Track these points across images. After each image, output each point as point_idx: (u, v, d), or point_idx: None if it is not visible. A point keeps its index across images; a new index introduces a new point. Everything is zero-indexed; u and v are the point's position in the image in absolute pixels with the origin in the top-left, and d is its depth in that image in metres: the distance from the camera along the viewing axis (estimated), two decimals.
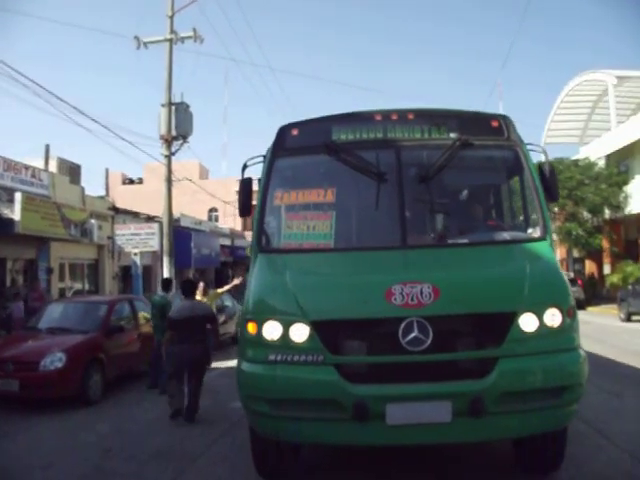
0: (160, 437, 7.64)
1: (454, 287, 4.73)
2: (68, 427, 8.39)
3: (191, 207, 37.35)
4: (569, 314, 4.79)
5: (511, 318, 4.61)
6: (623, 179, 32.00)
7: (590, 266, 38.66)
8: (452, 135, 5.81)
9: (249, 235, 47.42)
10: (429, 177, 5.65)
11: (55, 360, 9.52)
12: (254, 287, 5.11)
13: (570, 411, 4.85)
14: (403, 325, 4.48)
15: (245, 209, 6.13)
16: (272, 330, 4.68)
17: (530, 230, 5.88)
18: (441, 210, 5.99)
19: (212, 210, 52.73)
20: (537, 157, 6.30)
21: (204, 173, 54.36)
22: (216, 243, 34.60)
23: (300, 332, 4.61)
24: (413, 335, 4.45)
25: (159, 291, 14.06)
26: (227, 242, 39.26)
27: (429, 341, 4.45)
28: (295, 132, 5.99)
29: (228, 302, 18.94)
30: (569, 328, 4.80)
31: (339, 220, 5.56)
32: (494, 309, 4.67)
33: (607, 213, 33.07)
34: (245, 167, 6.16)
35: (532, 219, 5.83)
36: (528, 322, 4.62)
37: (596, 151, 35.01)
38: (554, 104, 42.08)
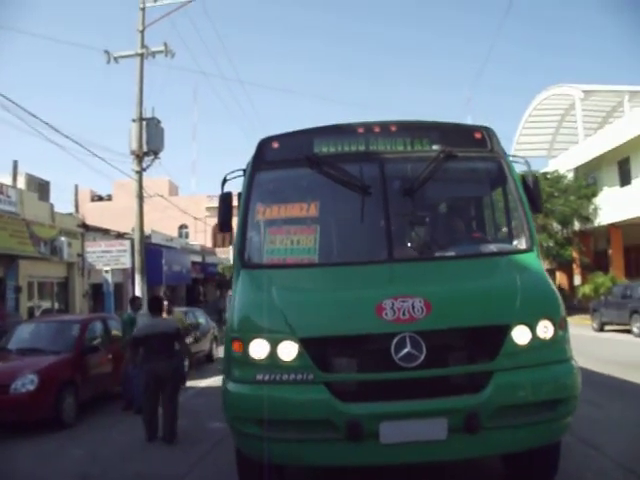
0: (139, 461, 7.36)
1: (446, 301, 4.63)
2: (42, 452, 8.04)
3: (161, 223, 36.98)
4: (561, 326, 4.73)
5: (504, 331, 4.53)
6: (592, 191, 32.49)
7: (561, 277, 39.08)
8: (435, 147, 5.74)
9: (220, 252, 47.27)
10: (414, 190, 5.57)
11: (27, 382, 9.20)
12: (239, 304, 4.94)
13: (565, 424, 4.77)
14: (395, 341, 4.35)
15: (225, 224, 6.00)
16: (259, 349, 4.51)
17: (516, 242, 5.82)
18: (426, 223, 5.98)
19: (182, 227, 52.44)
20: (519, 169, 6.25)
21: (174, 189, 54.05)
22: (187, 260, 34.32)
23: (288, 350, 4.45)
24: (406, 351, 4.33)
25: (129, 309, 13.87)
26: (198, 259, 39.02)
27: (422, 356, 4.33)
28: (276, 145, 5.87)
29: (201, 319, 18.73)
30: (561, 340, 4.75)
31: (323, 234, 5.44)
32: (487, 322, 4.59)
33: (577, 225, 33.59)
34: (225, 181, 6.04)
35: (517, 231, 5.76)
36: (521, 335, 4.54)
37: (565, 164, 35.52)
38: (522, 117, 42.60)
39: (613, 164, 33.32)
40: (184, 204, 40.89)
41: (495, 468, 5.86)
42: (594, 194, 32.46)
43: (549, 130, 43.27)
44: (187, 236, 50.78)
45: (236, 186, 6.24)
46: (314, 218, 5.54)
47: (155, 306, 9.00)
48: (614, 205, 31.00)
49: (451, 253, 5.61)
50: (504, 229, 6.25)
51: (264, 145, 5.90)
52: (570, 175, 34.87)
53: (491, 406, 4.35)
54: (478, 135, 5.94)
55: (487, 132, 5.96)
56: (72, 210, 26.44)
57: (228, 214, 5.98)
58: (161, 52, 19.68)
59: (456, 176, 6.07)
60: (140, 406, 9.05)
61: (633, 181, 31.41)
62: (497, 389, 4.39)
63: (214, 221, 54.87)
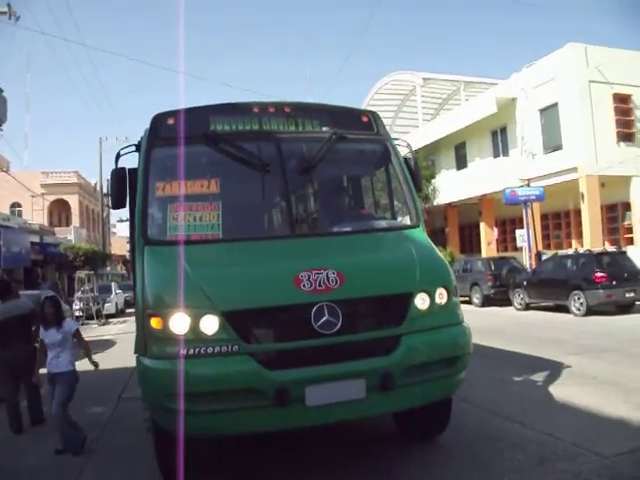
0: (26, 454, 6.82)
1: (357, 272, 4.96)
2: None
3: None
4: (453, 293, 5.28)
5: (408, 298, 4.95)
6: (431, 173, 34.31)
7: None
8: (326, 129, 6.02)
9: (60, 231, 45.00)
10: (309, 168, 5.84)
11: None
12: (151, 280, 4.90)
13: (461, 378, 5.32)
14: (314, 310, 4.58)
15: (119, 201, 5.88)
16: (181, 323, 4.53)
17: (401, 218, 6.32)
18: (323, 200, 6.30)
19: (15, 205, 49.25)
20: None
21: (4, 165, 50.41)
22: (26, 240, 32.27)
23: (211, 323, 4.52)
24: (325, 319, 4.58)
25: None
26: (36, 239, 36.82)
27: (339, 323, 4.60)
28: (171, 121, 5.79)
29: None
30: (454, 305, 5.31)
31: (225, 211, 5.50)
32: (394, 291, 4.98)
33: None
34: (118, 156, 5.91)
35: (405, 208, 6.19)
36: (422, 301, 4.99)
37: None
38: (364, 100, 44.10)
39: (450, 148, 35.65)
40: (15, 181, 38.14)
41: (390, 426, 6.34)
42: (433, 176, 34.32)
43: (390, 114, 45.07)
44: (20, 215, 47.66)
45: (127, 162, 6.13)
46: (215, 194, 5.60)
47: (3, 290, 8.46)
48: (451, 186, 33.16)
49: (347, 229, 5.96)
50: (392, 206, 6.63)
51: (159, 121, 5.83)
52: (407, 150, 36.51)
53: (402, 366, 4.75)
54: (365, 119, 6.31)
55: (373, 116, 6.36)
56: None
57: (122, 190, 5.85)
58: (4, 14, 18.23)
59: (347, 156, 6.38)
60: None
61: (469, 164, 33.78)
62: (406, 350, 4.80)
63: (52, 199, 52.36)
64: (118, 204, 5.90)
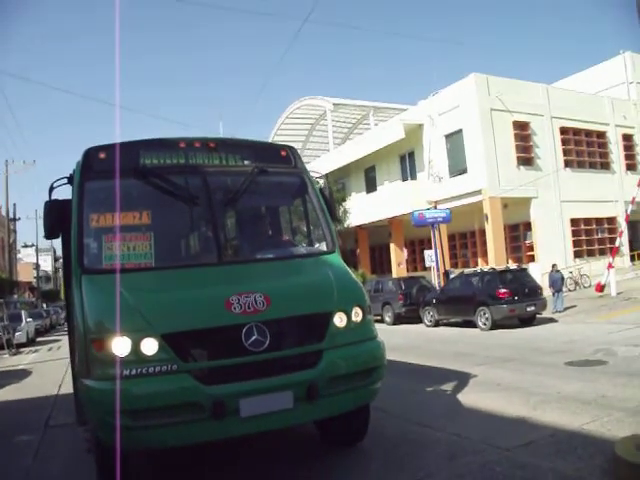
0: None
1: (282, 294, 5.40)
2: None
3: None
4: (367, 311, 5.79)
5: (328, 317, 5.43)
6: (342, 196, 35.08)
7: None
8: (247, 162, 6.43)
9: None
10: (234, 200, 6.26)
11: None
12: (91, 306, 5.14)
13: (377, 388, 5.81)
14: (244, 330, 4.99)
15: (52, 231, 6.12)
16: (122, 346, 4.80)
17: (318, 244, 6.78)
18: (247, 229, 6.79)
19: None
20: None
21: None
22: None
23: (151, 345, 4.82)
24: (254, 338, 5.00)
25: None
26: None
27: (267, 342, 5.03)
28: (102, 155, 6.02)
29: None
30: (369, 322, 5.81)
31: (157, 240, 5.80)
32: (315, 310, 5.44)
33: None
34: (52, 189, 6.15)
35: (321, 235, 6.64)
36: (340, 320, 5.48)
37: (316, 169, 37.85)
38: (275, 124, 44.70)
39: (361, 172, 36.66)
40: None
41: (313, 435, 6.73)
42: (344, 199, 35.07)
43: (301, 137, 45.83)
44: None
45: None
46: (147, 225, 5.88)
47: None
48: (361, 209, 34.05)
49: (270, 255, 6.41)
50: (310, 234, 7.07)
51: (91, 155, 6.05)
52: (321, 181, 37.20)
53: (325, 377, 5.20)
54: (284, 153, 6.77)
55: (291, 151, 6.84)
56: None
57: (56, 222, 6.08)
58: None
59: (268, 188, 6.80)
60: None
61: (378, 187, 34.80)
62: (327, 364, 5.26)
63: None
64: (52, 235, 6.13)
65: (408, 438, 6.65)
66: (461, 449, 5.99)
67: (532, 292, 18.63)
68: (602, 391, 7.92)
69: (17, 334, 28.57)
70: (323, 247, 6.55)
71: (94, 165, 5.97)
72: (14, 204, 50.22)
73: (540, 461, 5.37)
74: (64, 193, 6.29)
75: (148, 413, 4.75)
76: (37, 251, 64.98)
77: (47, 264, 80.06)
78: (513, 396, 8.17)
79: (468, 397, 8.40)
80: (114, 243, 5.69)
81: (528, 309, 18.19)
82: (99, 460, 5.40)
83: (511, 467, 5.32)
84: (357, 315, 5.60)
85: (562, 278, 21.46)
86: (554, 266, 21.58)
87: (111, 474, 5.18)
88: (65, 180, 6.27)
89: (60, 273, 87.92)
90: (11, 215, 49.33)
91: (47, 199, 6.12)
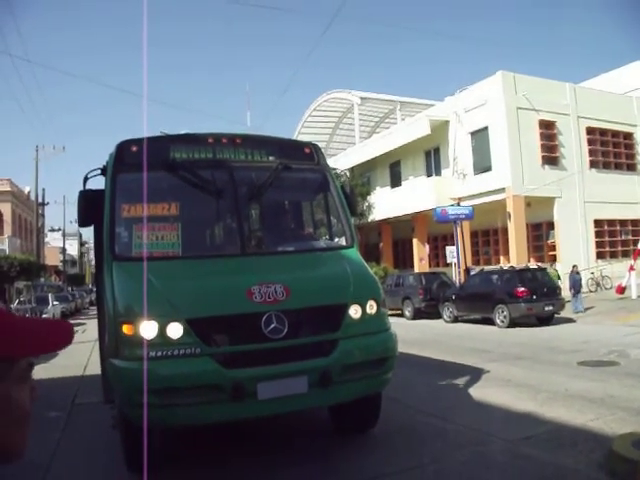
0: None
1: (301, 286, 5.70)
2: None
3: None
4: (382, 305, 6.08)
5: (344, 309, 5.72)
6: (366, 190, 35.32)
7: None
8: (272, 159, 6.72)
9: None
10: (258, 194, 6.58)
11: None
12: (121, 292, 5.50)
13: (389, 377, 6.09)
14: (264, 318, 5.30)
15: (86, 220, 6.47)
16: (149, 329, 5.14)
17: (337, 239, 7.12)
18: (270, 222, 7.13)
19: None
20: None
21: None
22: None
23: (176, 329, 5.16)
24: (273, 326, 5.30)
25: None
26: None
27: (285, 330, 5.33)
28: (134, 148, 6.34)
29: None
30: (383, 315, 6.11)
31: (184, 231, 6.15)
32: (332, 302, 5.74)
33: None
34: (86, 179, 6.56)
35: (341, 230, 6.96)
36: (355, 311, 5.77)
37: (342, 163, 38.12)
38: (302, 117, 44.97)
39: (386, 166, 36.82)
40: None
41: (325, 421, 7.02)
42: (368, 193, 35.34)
43: (327, 130, 46.08)
44: None
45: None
46: (175, 216, 6.24)
47: None
48: (385, 203, 34.21)
49: (291, 248, 6.77)
50: (330, 229, 7.39)
51: (123, 148, 6.39)
52: (343, 177, 37.39)
53: (338, 365, 5.49)
54: (307, 150, 7.06)
55: (314, 148, 7.13)
56: None
57: (88, 210, 6.41)
58: None
59: (291, 184, 7.13)
60: None
61: (403, 182, 34.94)
62: (342, 352, 5.56)
63: None
64: (85, 223, 6.48)
65: (418, 427, 6.96)
66: (467, 439, 6.28)
67: (551, 292, 18.73)
68: (610, 391, 8.12)
69: (44, 316, 29.17)
70: (342, 242, 6.87)
71: (126, 158, 6.29)
72: (43, 189, 51.05)
73: (541, 453, 5.64)
74: (98, 184, 6.65)
75: (172, 392, 5.09)
76: (64, 235, 65.87)
77: (73, 248, 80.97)
78: (522, 392, 8.40)
79: (478, 391, 8.66)
80: (143, 232, 6.03)
81: (546, 308, 18.28)
82: (124, 436, 5.73)
83: (512, 457, 5.62)
84: (372, 308, 5.87)
85: (581, 280, 21.53)
86: (574, 267, 21.60)
87: (135, 448, 5.53)
88: (99, 171, 6.63)
89: (85, 258, 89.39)
90: (40, 200, 50.07)
91: (81, 189, 6.49)
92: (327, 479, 5.46)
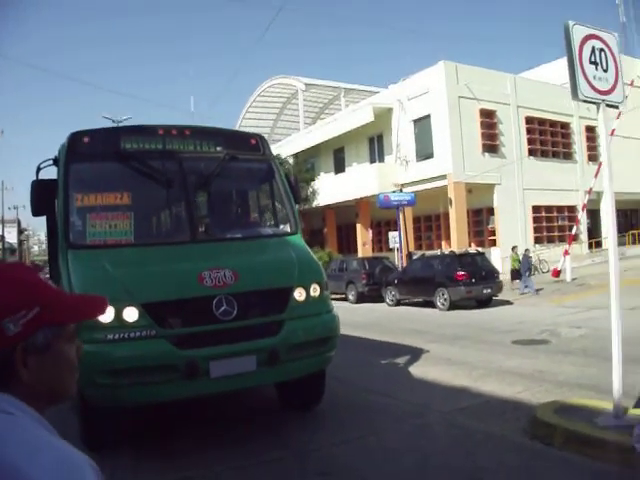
0: None
1: (248, 270, 6.04)
2: None
3: None
4: (325, 288, 6.49)
5: (289, 292, 6.10)
6: (311, 176, 35.57)
7: None
8: (219, 149, 7.01)
9: None
10: (206, 184, 6.87)
11: None
12: (78, 278, 5.71)
13: (331, 356, 6.53)
14: (215, 301, 5.64)
15: (39, 209, 6.56)
16: (107, 314, 5.36)
17: (282, 226, 7.47)
18: (218, 211, 7.43)
19: None
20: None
21: None
22: None
23: (132, 313, 5.43)
24: (223, 308, 5.65)
25: None
26: None
27: (235, 312, 5.69)
28: (86, 139, 6.51)
29: None
30: (326, 297, 6.53)
31: (136, 219, 6.39)
32: (278, 285, 6.12)
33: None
34: (39, 169, 6.70)
35: (286, 217, 7.33)
36: (300, 294, 6.16)
37: (286, 149, 38.24)
38: (247, 102, 44.93)
39: (330, 152, 37.17)
40: None
41: (274, 399, 7.41)
42: (312, 178, 35.54)
43: (271, 116, 46.18)
44: None
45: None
46: (127, 205, 6.45)
47: None
48: (330, 189, 34.55)
49: (239, 235, 7.11)
50: (275, 216, 7.72)
51: (75, 139, 6.52)
52: (291, 160, 37.75)
53: (285, 344, 5.87)
54: (253, 141, 7.37)
55: (260, 139, 7.45)
56: None
57: (42, 200, 6.52)
58: None
59: (238, 174, 7.46)
60: None
61: (347, 169, 35.38)
62: (288, 332, 5.94)
63: None
64: (38, 212, 6.56)
65: (360, 403, 7.41)
66: (406, 412, 6.76)
67: (489, 275, 19.44)
68: (539, 366, 8.74)
69: None
70: (287, 229, 7.23)
71: (78, 148, 6.43)
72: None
73: (473, 422, 6.18)
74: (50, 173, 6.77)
75: (128, 373, 5.37)
76: (2, 223, 64.27)
77: (12, 236, 79.06)
78: (459, 369, 8.96)
79: (418, 369, 9.19)
80: (97, 221, 6.24)
81: (484, 291, 19.01)
82: (82, 416, 5.97)
83: (448, 426, 6.16)
84: (315, 290, 6.26)
85: (532, 261, 22.94)
86: (527, 250, 23.10)
87: (92, 428, 5.88)
88: (51, 162, 6.76)
89: (25, 245, 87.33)
90: None
91: (34, 179, 6.59)
92: (277, 451, 5.79)
